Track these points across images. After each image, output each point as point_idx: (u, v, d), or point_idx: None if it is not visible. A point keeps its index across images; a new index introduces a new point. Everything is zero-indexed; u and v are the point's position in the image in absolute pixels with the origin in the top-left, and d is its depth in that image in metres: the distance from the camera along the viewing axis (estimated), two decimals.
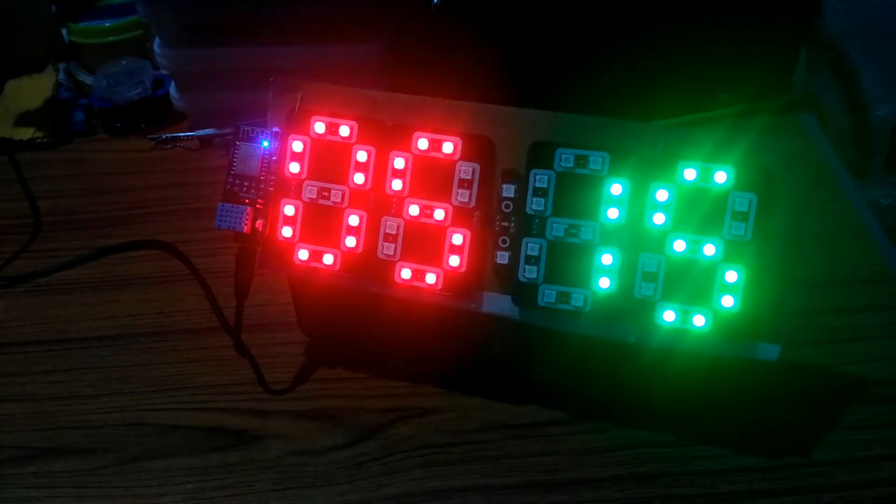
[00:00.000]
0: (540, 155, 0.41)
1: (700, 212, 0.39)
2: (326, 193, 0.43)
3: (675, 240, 0.39)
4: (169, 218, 0.62)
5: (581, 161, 0.40)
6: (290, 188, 0.44)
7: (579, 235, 0.40)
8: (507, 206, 0.42)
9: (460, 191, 0.42)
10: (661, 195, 0.39)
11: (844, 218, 0.58)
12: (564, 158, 0.41)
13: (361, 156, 0.43)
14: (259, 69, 0.62)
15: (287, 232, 0.44)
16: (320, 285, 0.44)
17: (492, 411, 0.47)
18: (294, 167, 0.44)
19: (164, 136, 0.69)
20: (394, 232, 0.43)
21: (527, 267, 0.41)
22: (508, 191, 0.41)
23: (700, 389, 0.44)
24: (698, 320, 0.39)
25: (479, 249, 0.42)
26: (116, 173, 0.67)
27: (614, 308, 0.40)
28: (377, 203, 0.43)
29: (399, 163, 0.42)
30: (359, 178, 0.43)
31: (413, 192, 0.42)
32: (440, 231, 0.42)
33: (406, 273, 0.42)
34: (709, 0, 0.63)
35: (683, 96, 0.65)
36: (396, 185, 0.42)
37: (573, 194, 0.41)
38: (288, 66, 0.63)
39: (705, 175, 0.39)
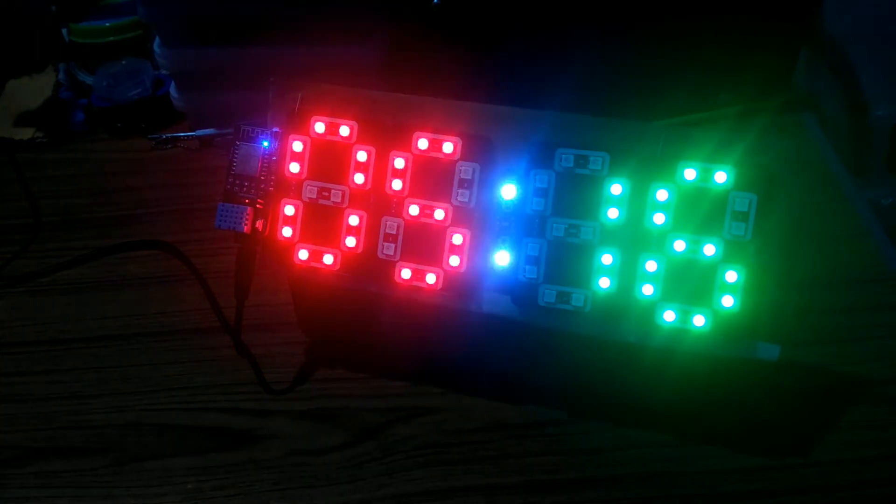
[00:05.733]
0: (540, 155, 0.41)
1: (700, 212, 0.39)
2: (326, 193, 0.43)
3: (675, 240, 0.39)
4: (169, 218, 0.62)
5: (581, 161, 0.40)
6: (290, 188, 0.44)
7: (579, 235, 0.40)
8: (507, 206, 0.42)
9: (460, 191, 0.42)
10: (661, 195, 0.39)
11: (844, 218, 0.58)
12: (564, 158, 0.41)
13: (361, 156, 0.43)
14: (259, 69, 0.62)
15: (287, 232, 0.44)
16: (320, 285, 0.44)
17: (492, 411, 0.47)
18: (294, 167, 0.44)
19: (164, 136, 0.69)
20: (394, 232, 0.43)
21: (527, 267, 0.41)
22: (508, 191, 0.41)
23: (700, 389, 0.44)
24: (698, 320, 0.39)
25: (479, 249, 0.42)
26: (116, 173, 0.67)
27: (614, 308, 0.40)
28: (377, 203, 0.43)
29: (399, 163, 0.42)
30: (359, 178, 0.43)
31: (413, 192, 0.42)
32: (440, 231, 0.42)
33: (406, 273, 0.42)
34: (709, 0, 0.63)
35: (683, 96, 0.65)
36: (396, 185, 0.42)
37: (573, 194, 0.41)
38: (288, 66, 0.63)
39: (705, 175, 0.39)
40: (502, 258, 0.42)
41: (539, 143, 0.41)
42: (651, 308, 0.40)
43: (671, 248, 0.39)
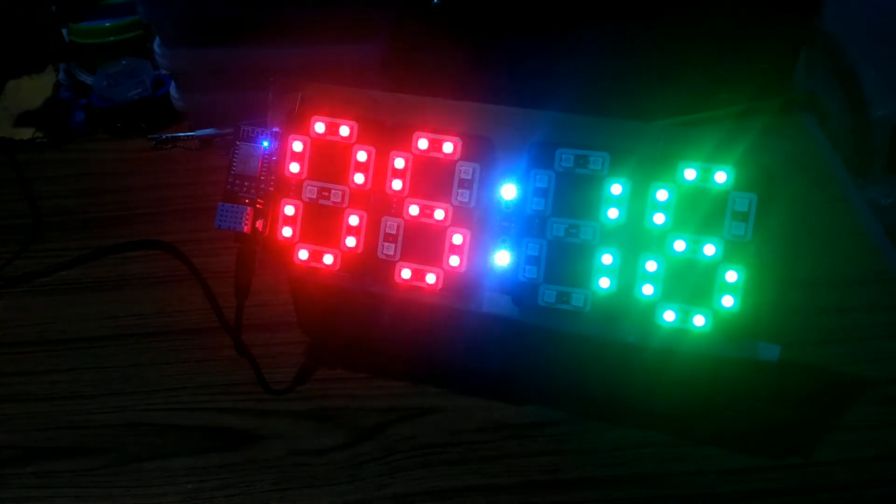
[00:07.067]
0: (540, 155, 0.41)
1: (700, 212, 0.39)
2: (326, 193, 0.43)
3: (675, 240, 0.39)
4: (169, 218, 0.62)
5: (581, 161, 0.40)
6: (290, 188, 0.44)
7: (579, 235, 0.40)
8: (507, 206, 0.42)
9: (460, 191, 0.42)
10: (661, 195, 0.39)
11: (844, 218, 0.58)
12: (564, 158, 0.41)
13: (361, 156, 0.43)
14: (259, 69, 0.62)
15: (287, 232, 0.44)
16: (320, 285, 0.44)
17: (492, 411, 0.47)
18: (294, 167, 0.44)
19: (164, 136, 0.69)
20: (394, 232, 0.43)
21: (527, 267, 0.41)
22: (508, 191, 0.41)
23: (700, 389, 0.44)
24: (698, 320, 0.39)
25: (479, 249, 0.42)
26: (116, 173, 0.67)
27: (614, 308, 0.40)
28: (377, 203, 0.43)
29: (399, 163, 0.42)
30: (359, 178, 0.43)
31: (413, 192, 0.42)
32: (440, 231, 0.42)
33: (406, 273, 0.42)
34: (709, 1, 0.63)
35: (683, 96, 0.65)
36: (396, 185, 0.42)
37: (573, 194, 0.41)
38: (288, 66, 0.63)
39: (705, 175, 0.39)
40: (502, 258, 0.42)
41: (539, 143, 0.41)
42: (651, 308, 0.40)
43: (671, 248, 0.39)
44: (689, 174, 0.39)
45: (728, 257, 0.39)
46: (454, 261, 0.42)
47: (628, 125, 0.40)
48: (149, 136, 0.70)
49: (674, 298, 0.39)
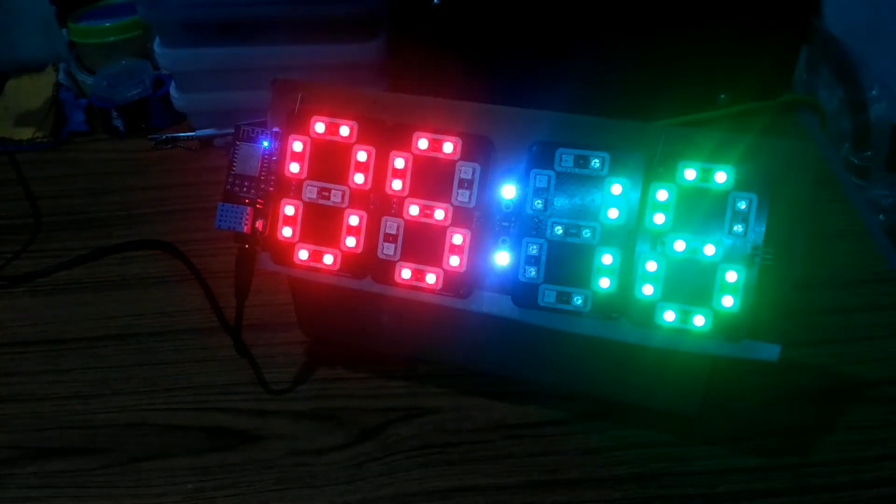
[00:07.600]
0: (540, 155, 0.41)
1: (700, 212, 0.39)
2: (326, 193, 0.43)
3: (675, 240, 0.39)
4: (169, 218, 0.62)
5: (581, 161, 0.40)
6: (290, 188, 0.44)
7: (579, 235, 0.40)
8: (507, 206, 0.42)
9: (460, 191, 0.42)
10: (661, 195, 0.39)
11: (844, 218, 0.58)
12: (564, 158, 0.41)
13: (361, 156, 0.43)
14: (259, 69, 0.62)
15: (287, 232, 0.44)
16: (320, 285, 0.44)
17: (492, 411, 0.47)
18: (294, 167, 0.44)
19: (164, 136, 0.69)
20: (394, 232, 0.43)
21: (527, 267, 0.41)
22: (508, 191, 0.41)
23: (699, 389, 0.44)
24: (698, 320, 0.39)
25: (479, 249, 0.42)
26: (116, 173, 0.67)
27: (614, 308, 0.40)
28: (377, 203, 0.43)
29: (399, 163, 0.42)
30: (359, 178, 0.43)
31: (413, 192, 0.42)
32: (440, 231, 0.42)
33: (406, 273, 0.42)
34: (709, 0, 0.63)
35: (683, 96, 0.65)
36: (396, 185, 0.42)
37: (573, 194, 0.41)
38: (288, 66, 0.63)
39: (705, 175, 0.39)
40: (502, 258, 0.42)
41: (539, 143, 0.41)
42: (651, 308, 0.40)
43: (671, 248, 0.39)
44: (689, 174, 0.39)
45: (728, 257, 0.39)
46: (454, 261, 0.42)
47: (628, 125, 0.40)
48: (149, 137, 0.70)
49: (674, 298, 0.39)
